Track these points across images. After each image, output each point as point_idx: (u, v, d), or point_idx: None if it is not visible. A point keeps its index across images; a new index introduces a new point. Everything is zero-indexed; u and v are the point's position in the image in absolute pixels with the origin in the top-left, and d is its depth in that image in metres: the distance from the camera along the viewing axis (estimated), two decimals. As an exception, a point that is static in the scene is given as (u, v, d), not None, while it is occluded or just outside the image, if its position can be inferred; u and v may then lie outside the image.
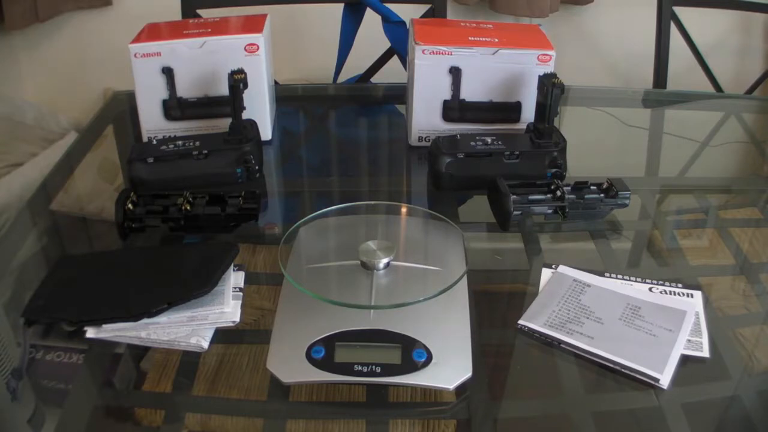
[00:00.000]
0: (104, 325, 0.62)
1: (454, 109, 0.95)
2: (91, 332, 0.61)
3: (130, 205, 0.75)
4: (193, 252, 0.71)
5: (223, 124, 0.89)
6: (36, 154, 1.41)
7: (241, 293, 0.68)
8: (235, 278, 0.69)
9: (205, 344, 0.62)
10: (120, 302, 0.63)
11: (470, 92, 0.94)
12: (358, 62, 1.40)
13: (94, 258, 0.74)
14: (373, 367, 0.58)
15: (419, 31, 0.94)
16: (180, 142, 0.86)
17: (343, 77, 1.42)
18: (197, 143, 0.86)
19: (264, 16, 0.98)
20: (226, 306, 0.66)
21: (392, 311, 0.62)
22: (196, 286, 0.65)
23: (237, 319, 0.65)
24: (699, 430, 0.58)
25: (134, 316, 0.62)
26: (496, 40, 0.93)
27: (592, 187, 0.81)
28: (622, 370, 0.61)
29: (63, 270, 0.69)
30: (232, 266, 0.70)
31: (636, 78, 1.76)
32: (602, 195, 0.81)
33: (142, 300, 0.63)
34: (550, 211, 0.80)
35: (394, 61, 1.33)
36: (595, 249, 0.80)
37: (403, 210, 0.81)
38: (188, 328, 0.63)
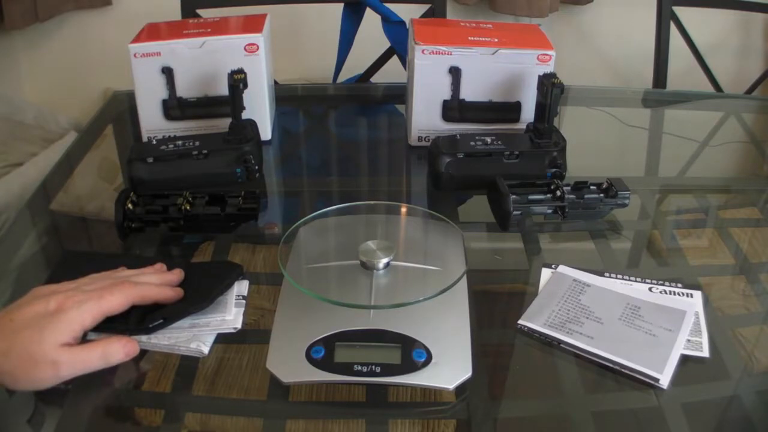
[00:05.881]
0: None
1: (454, 109, 0.95)
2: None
3: (129, 205, 0.75)
4: (197, 269, 0.70)
5: (223, 124, 0.89)
6: (36, 154, 1.41)
7: (244, 301, 0.67)
8: (238, 287, 0.69)
9: (206, 349, 0.62)
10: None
11: (470, 92, 0.94)
12: (357, 62, 1.40)
13: (98, 258, 0.73)
14: (373, 367, 0.58)
15: (419, 31, 0.94)
16: (180, 142, 0.86)
17: (342, 77, 1.42)
18: (197, 143, 0.86)
19: (264, 16, 0.98)
20: (228, 314, 0.65)
21: (392, 311, 0.62)
22: (194, 302, 0.64)
23: (239, 326, 0.64)
24: (699, 430, 0.58)
25: (130, 331, 0.62)
26: (496, 40, 0.93)
27: (591, 187, 0.81)
28: (622, 370, 0.61)
29: (69, 270, 0.68)
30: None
31: (636, 78, 1.76)
32: (602, 195, 0.81)
33: (140, 312, 0.62)
34: (549, 211, 0.80)
35: (394, 61, 1.33)
36: (594, 249, 0.80)
37: (403, 210, 0.80)
38: (189, 333, 0.63)
